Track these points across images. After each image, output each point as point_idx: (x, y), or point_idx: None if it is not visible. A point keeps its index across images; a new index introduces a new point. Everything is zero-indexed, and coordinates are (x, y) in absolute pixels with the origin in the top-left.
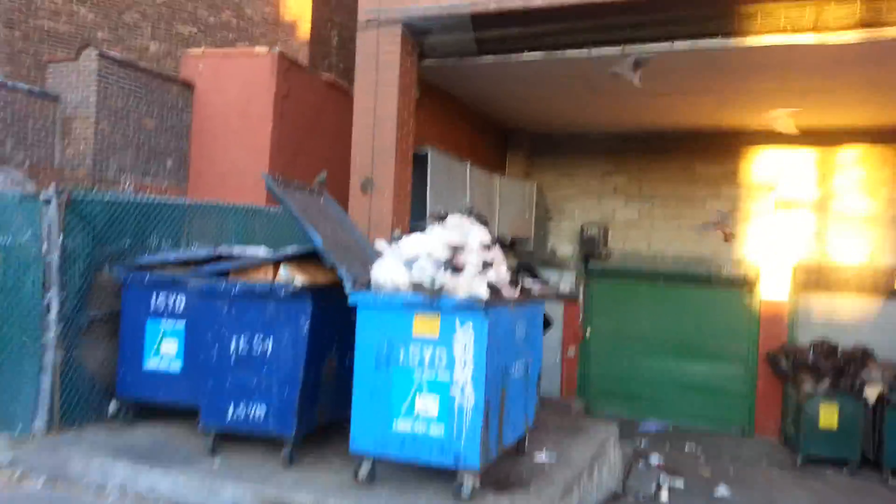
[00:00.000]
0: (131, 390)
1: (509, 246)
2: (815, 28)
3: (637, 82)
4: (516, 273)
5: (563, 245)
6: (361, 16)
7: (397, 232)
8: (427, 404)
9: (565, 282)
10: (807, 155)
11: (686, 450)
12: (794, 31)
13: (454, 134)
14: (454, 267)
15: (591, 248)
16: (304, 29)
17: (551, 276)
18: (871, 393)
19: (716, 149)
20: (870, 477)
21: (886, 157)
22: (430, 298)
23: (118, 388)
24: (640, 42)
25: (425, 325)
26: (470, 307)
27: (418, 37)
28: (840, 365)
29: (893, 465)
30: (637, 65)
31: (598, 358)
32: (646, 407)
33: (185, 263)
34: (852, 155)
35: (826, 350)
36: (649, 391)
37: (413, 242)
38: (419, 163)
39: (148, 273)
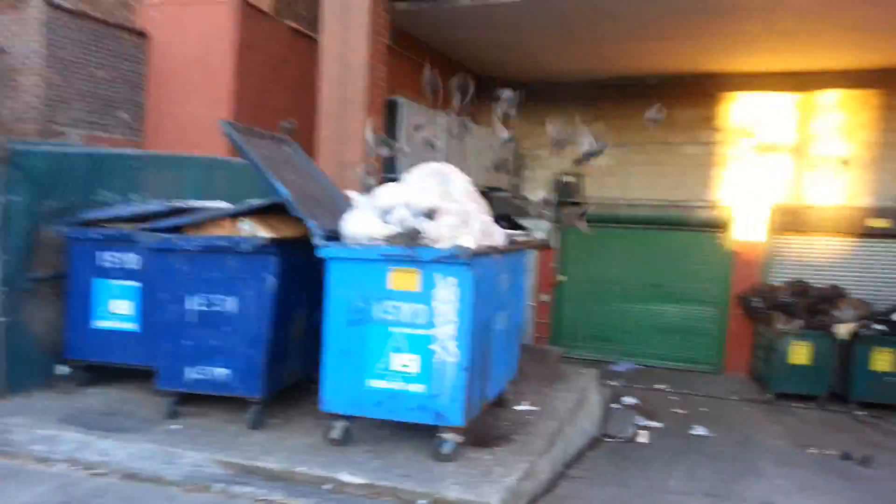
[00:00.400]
0: (81, 352)
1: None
2: None
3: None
4: (497, 222)
5: (538, 194)
6: None
7: (369, 177)
8: (406, 361)
9: (540, 230)
10: (785, 98)
11: (658, 388)
12: None
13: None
14: (435, 216)
15: (566, 197)
16: None
17: (526, 224)
18: (843, 330)
19: (693, 94)
20: (837, 410)
21: (865, 100)
22: (409, 251)
23: (66, 351)
24: None
25: (403, 279)
26: (453, 259)
27: None
28: (813, 303)
29: (859, 397)
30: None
31: (572, 303)
32: (618, 349)
33: (137, 218)
34: (831, 98)
35: (800, 289)
36: (621, 334)
37: (389, 191)
38: (390, 111)
39: (95, 229)
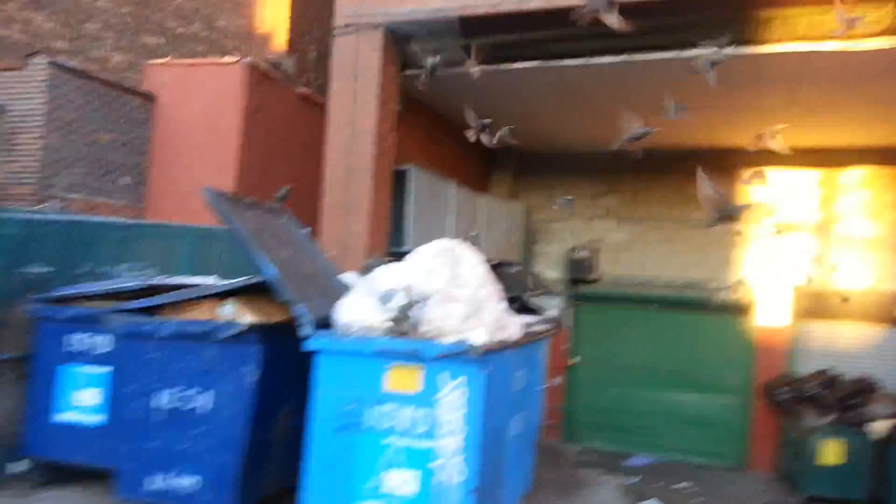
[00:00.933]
0: (41, 449)
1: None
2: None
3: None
4: (511, 306)
5: (550, 269)
6: (339, 19)
7: (373, 258)
8: (402, 480)
9: (552, 307)
10: (808, 175)
11: (681, 486)
12: (815, 38)
13: (437, 151)
14: (441, 304)
15: (580, 273)
16: (280, 42)
17: (537, 301)
18: (880, 428)
19: (712, 169)
20: None
21: (893, 178)
22: (410, 345)
23: (26, 446)
24: (644, 50)
25: (402, 379)
26: (461, 356)
27: (401, 44)
28: (845, 397)
29: None
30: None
31: (585, 388)
32: (634, 439)
33: (111, 296)
34: (856, 176)
35: (830, 380)
36: (638, 423)
37: (390, 274)
38: (399, 181)
39: (64, 307)
